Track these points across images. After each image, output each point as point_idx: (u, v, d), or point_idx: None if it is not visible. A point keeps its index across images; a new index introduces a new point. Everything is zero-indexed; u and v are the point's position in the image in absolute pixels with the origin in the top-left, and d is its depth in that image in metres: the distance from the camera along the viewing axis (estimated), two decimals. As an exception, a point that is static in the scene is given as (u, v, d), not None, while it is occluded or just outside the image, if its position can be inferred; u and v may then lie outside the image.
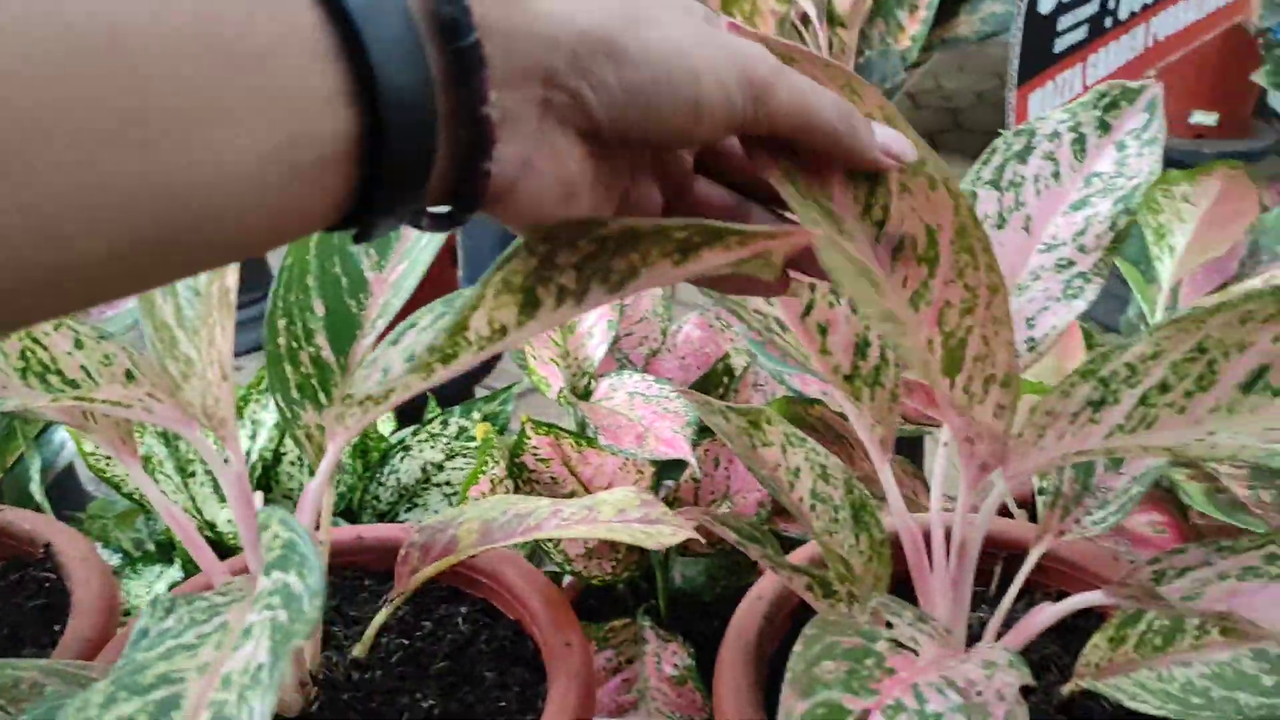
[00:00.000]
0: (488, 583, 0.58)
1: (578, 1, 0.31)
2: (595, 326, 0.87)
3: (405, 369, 0.40)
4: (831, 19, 1.24)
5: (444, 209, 0.33)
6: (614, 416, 0.81)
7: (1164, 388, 0.40)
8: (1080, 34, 0.64)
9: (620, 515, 0.56)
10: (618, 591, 0.94)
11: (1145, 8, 0.69)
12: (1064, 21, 0.62)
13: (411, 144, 0.28)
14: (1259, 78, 1.56)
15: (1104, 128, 0.54)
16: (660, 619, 0.88)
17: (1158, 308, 0.80)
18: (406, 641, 0.55)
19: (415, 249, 0.50)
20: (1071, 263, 0.52)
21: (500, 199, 0.32)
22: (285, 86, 0.26)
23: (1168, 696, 0.45)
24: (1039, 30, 0.61)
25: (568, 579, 0.94)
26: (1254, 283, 0.80)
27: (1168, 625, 0.48)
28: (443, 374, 0.38)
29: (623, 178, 0.35)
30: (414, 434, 0.84)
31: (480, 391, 1.60)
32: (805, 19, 1.23)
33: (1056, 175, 0.54)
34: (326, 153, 0.27)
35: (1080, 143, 0.54)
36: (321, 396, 0.49)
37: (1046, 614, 0.46)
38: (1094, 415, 0.42)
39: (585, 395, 0.87)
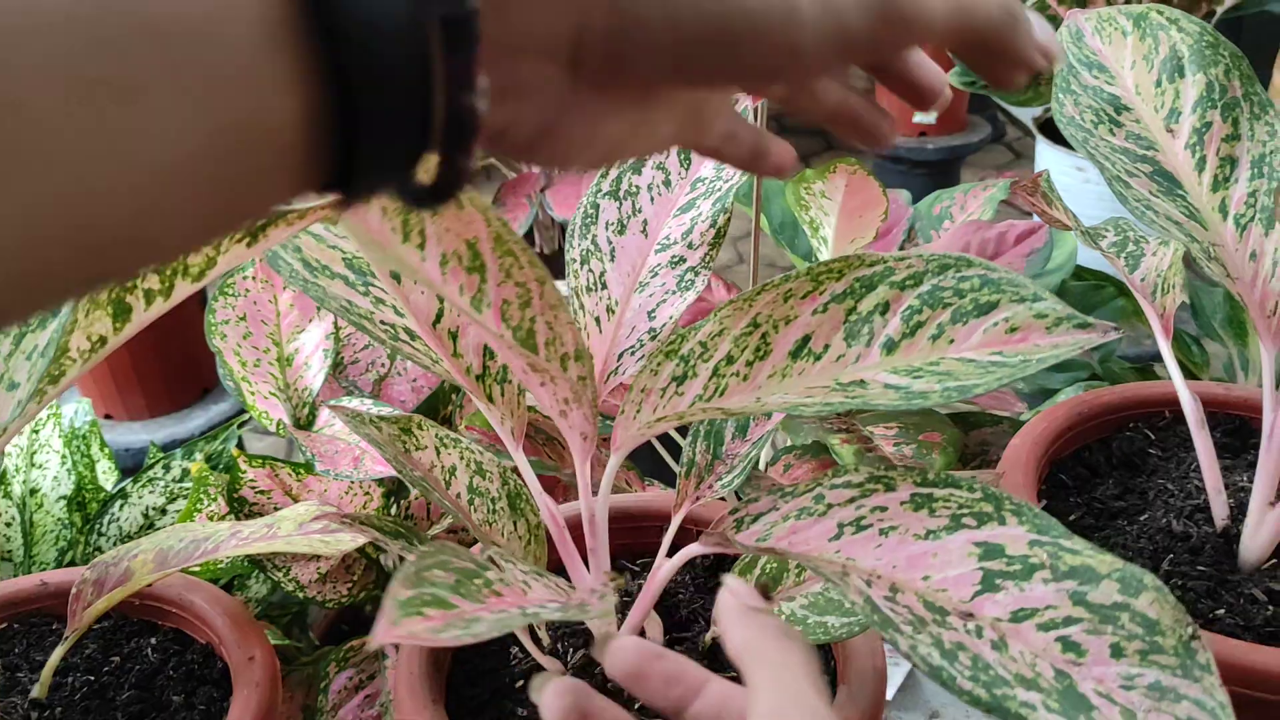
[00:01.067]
0: (177, 611, 0.59)
1: None
2: (312, 357, 0.89)
3: (21, 399, 0.42)
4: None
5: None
6: (333, 442, 0.84)
7: (730, 359, 0.47)
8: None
9: (300, 529, 0.59)
10: (367, 613, 0.96)
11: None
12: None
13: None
14: (952, 78, 1.71)
15: (703, 137, 0.60)
16: (405, 634, 0.90)
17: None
18: (93, 678, 0.56)
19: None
20: (683, 259, 0.59)
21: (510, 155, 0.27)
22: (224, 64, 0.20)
23: (776, 629, 0.52)
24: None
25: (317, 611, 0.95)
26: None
27: (776, 567, 0.54)
28: (54, 392, 0.42)
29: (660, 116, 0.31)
30: (134, 481, 0.84)
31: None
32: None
33: (667, 183, 0.60)
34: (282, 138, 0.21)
35: (687, 152, 0.60)
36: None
37: (665, 568, 0.52)
38: (679, 388, 0.48)
39: (309, 424, 0.89)
